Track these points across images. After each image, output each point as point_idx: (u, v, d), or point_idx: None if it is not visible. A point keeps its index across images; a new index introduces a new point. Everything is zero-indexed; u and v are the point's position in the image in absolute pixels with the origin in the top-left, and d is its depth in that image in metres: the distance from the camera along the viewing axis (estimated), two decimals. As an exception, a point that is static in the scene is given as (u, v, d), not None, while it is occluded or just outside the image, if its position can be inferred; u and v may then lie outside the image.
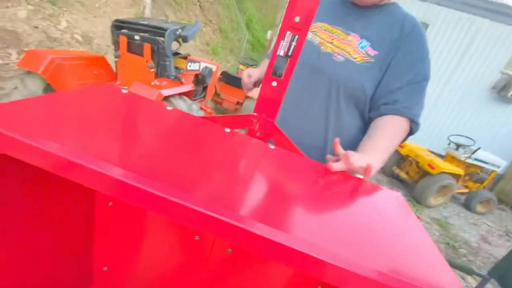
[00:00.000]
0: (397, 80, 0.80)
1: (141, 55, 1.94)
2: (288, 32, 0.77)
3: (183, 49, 2.71)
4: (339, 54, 0.84)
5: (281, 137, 0.85)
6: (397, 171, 4.65)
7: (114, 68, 2.16)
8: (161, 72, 2.03)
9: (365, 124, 0.90)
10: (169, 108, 0.67)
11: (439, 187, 3.95)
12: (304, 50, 0.77)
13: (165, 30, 1.95)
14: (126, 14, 5.39)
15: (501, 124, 5.58)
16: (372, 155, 0.73)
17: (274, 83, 0.83)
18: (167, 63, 2.02)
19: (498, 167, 4.40)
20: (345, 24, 0.85)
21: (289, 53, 0.79)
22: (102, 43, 4.58)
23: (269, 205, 0.42)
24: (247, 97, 4.11)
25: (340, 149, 0.69)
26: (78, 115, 0.49)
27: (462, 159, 4.28)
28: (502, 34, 5.05)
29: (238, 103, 4.28)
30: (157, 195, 0.33)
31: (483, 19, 5.05)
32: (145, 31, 1.99)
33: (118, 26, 2.01)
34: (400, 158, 4.67)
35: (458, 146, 4.49)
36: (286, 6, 0.76)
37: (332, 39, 0.86)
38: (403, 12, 0.86)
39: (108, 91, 0.65)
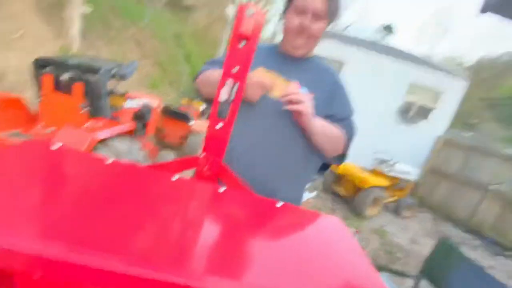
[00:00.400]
0: (337, 114, 0.98)
1: (71, 95, 1.79)
2: (229, 80, 0.84)
3: (120, 85, 2.59)
4: None
5: (229, 175, 0.88)
6: (336, 188, 5.10)
7: (35, 109, 1.92)
8: (95, 112, 1.89)
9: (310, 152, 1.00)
10: (108, 162, 0.64)
11: (372, 199, 4.46)
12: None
13: (99, 69, 1.86)
14: (49, 48, 4.93)
15: (409, 139, 6.77)
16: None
17: (219, 125, 0.88)
18: (102, 102, 1.90)
19: (413, 175, 5.24)
20: (282, 72, 0.97)
21: (231, 98, 0.86)
22: (18, 79, 4.05)
23: (214, 253, 0.43)
24: (191, 131, 4.07)
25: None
26: None
27: (386, 172, 4.97)
28: (400, 69, 6.35)
29: (182, 137, 4.19)
30: (85, 266, 0.31)
31: (385, 59, 6.29)
32: (76, 70, 1.86)
33: (41, 64, 1.84)
34: (337, 177, 5.16)
35: (381, 161, 5.21)
36: (227, 41, 0.84)
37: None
38: (325, 62, 1.05)
39: (34, 150, 0.59)
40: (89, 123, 1.63)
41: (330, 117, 0.96)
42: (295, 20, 0.90)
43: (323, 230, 0.65)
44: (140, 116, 2.55)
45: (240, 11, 0.77)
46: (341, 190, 5.01)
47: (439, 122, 6.65)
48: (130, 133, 2.18)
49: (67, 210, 0.42)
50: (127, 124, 2.03)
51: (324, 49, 6.42)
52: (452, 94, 6.53)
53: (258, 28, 0.81)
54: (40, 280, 0.58)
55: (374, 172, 5.23)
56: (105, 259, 0.31)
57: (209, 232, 0.51)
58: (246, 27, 0.78)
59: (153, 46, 9.81)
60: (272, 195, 0.98)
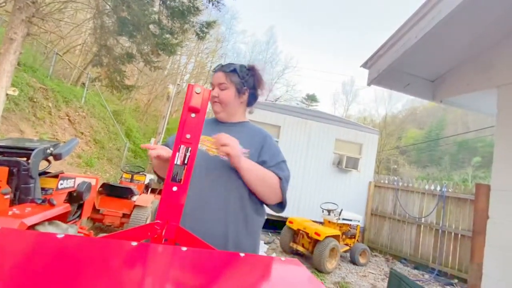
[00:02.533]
0: (268, 161, 1.13)
1: (-8, 181, 1.57)
2: (182, 146, 0.93)
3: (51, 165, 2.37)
4: (224, 156, 1.06)
5: (188, 237, 0.88)
6: (294, 246, 5.05)
7: None
8: (20, 197, 1.66)
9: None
10: (60, 236, 0.61)
11: (329, 251, 4.53)
12: (196, 157, 0.97)
13: (31, 150, 1.73)
14: (-43, 133, 4.31)
15: (348, 187, 7.48)
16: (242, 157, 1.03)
17: (174, 188, 0.92)
18: (31, 185, 1.70)
19: (359, 221, 5.63)
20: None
21: (185, 162, 0.93)
22: None
23: None
24: (135, 206, 3.75)
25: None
26: None
27: (335, 221, 5.24)
28: (326, 129, 7.43)
29: (124, 215, 3.80)
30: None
31: (312, 121, 7.36)
32: (0, 153, 1.68)
33: (-45, 150, 1.62)
34: (293, 234, 5.18)
35: (329, 211, 5.53)
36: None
37: (214, 146, 1.11)
38: (256, 126, 1.27)
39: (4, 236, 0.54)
40: (14, 210, 1.41)
41: (263, 164, 1.10)
42: (211, 94, 1.20)
43: (286, 272, 0.70)
44: (76, 197, 2.31)
45: (190, 89, 0.92)
46: (299, 247, 4.97)
47: (366, 170, 7.66)
48: (64, 217, 1.92)
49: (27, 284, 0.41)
50: (61, 207, 1.81)
51: (263, 116, 7.16)
52: (370, 145, 7.80)
53: (205, 103, 0.96)
54: None
55: (325, 222, 5.46)
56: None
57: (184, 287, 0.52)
58: (196, 102, 0.93)
59: (89, 124, 9.41)
60: (226, 244, 1.02)
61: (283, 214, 6.82)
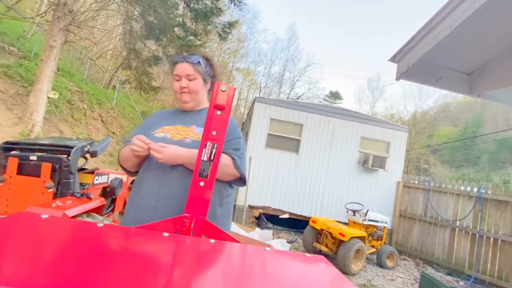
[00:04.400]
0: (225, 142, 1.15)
1: (37, 175, 1.73)
2: (208, 142, 0.96)
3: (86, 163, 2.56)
4: (186, 139, 1.15)
5: (214, 230, 0.91)
6: (317, 246, 4.97)
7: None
8: (62, 191, 1.81)
9: None
10: (100, 225, 0.67)
11: (354, 252, 4.40)
12: (161, 142, 1.10)
13: (71, 147, 1.88)
14: (9, 132, 4.77)
15: (374, 187, 7.20)
16: (177, 148, 1.08)
17: (201, 183, 0.95)
18: (71, 180, 1.85)
19: (386, 222, 5.40)
20: (183, 122, 1.22)
21: (212, 158, 0.96)
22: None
23: None
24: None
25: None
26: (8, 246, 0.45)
27: (360, 222, 5.08)
28: (350, 126, 7.21)
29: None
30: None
31: (336, 119, 7.17)
32: (44, 151, 1.85)
33: (7, 148, 1.81)
34: (317, 233, 5.10)
35: (354, 212, 5.36)
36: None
37: (178, 132, 1.19)
38: None
39: (26, 219, 0.61)
40: (57, 202, 1.55)
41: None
42: (176, 85, 1.22)
43: (312, 268, 0.70)
44: (109, 192, 2.46)
45: (216, 87, 0.95)
46: (322, 247, 4.89)
47: (394, 169, 7.32)
48: (99, 210, 2.06)
49: (74, 265, 0.45)
50: (97, 201, 1.94)
51: (285, 115, 7.10)
52: (398, 143, 7.43)
53: (230, 100, 0.98)
54: None
55: (350, 223, 5.31)
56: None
57: (214, 278, 0.54)
58: (221, 100, 0.95)
59: (120, 124, 9.95)
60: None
61: (306, 213, 6.74)
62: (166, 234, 0.70)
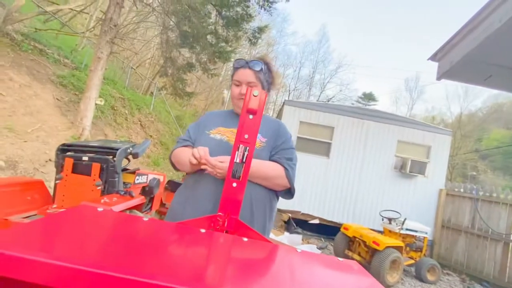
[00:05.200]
0: (279, 150, 1.20)
1: (88, 174, 1.93)
2: (241, 145, 1.00)
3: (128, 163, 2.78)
4: None
5: (247, 230, 0.94)
6: (349, 253, 4.78)
7: (51, 192, 2.02)
8: (108, 188, 1.99)
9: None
10: (145, 218, 0.74)
11: (390, 263, 4.15)
12: (219, 146, 1.13)
13: (116, 149, 2.06)
14: (63, 136, 5.35)
15: (412, 194, 6.73)
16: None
17: (234, 184, 0.99)
18: (116, 179, 2.03)
19: (426, 233, 5.01)
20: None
21: (244, 160, 1.00)
22: (29, 166, 4.25)
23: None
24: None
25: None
26: (72, 234, 0.53)
27: (397, 231, 4.77)
28: (386, 129, 6.85)
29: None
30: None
31: (370, 122, 6.87)
32: (94, 152, 2.05)
33: (64, 149, 2.04)
34: (349, 241, 4.90)
35: (390, 220, 5.07)
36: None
37: (235, 136, 1.18)
38: (271, 117, 1.36)
39: (86, 211, 0.69)
40: (105, 199, 1.72)
41: (276, 147, 1.19)
42: (236, 90, 1.21)
43: (346, 273, 0.69)
44: (148, 191, 2.64)
45: (248, 92, 0.99)
46: (355, 255, 4.68)
47: (436, 176, 6.77)
48: (139, 208, 2.23)
49: (124, 250, 0.50)
50: (138, 199, 2.10)
51: (315, 118, 6.97)
52: (440, 148, 6.87)
53: (262, 104, 1.02)
54: None
55: (386, 232, 5.02)
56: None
57: (248, 274, 0.57)
58: (253, 104, 0.99)
59: (156, 128, 10.59)
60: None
61: (337, 220, 6.52)
62: (202, 230, 0.75)
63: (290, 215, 6.59)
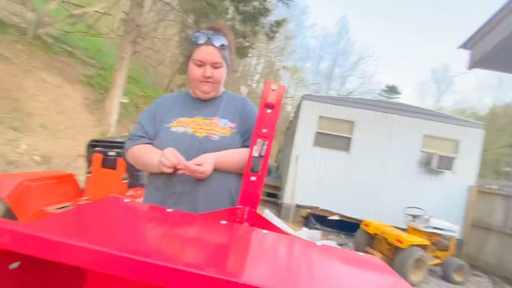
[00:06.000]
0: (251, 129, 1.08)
1: (115, 168, 2.04)
2: (259, 140, 1.01)
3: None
4: (213, 135, 1.04)
5: (265, 223, 0.96)
6: (370, 251, 4.67)
7: (81, 185, 2.16)
8: (133, 182, 2.10)
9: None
10: (169, 210, 0.77)
11: (414, 261, 4.00)
12: (184, 140, 1.02)
13: (140, 144, 2.17)
14: (91, 133, 5.66)
15: (439, 191, 6.41)
16: (210, 156, 0.99)
17: (253, 178, 1.00)
18: (140, 173, 2.12)
19: (454, 231, 4.77)
20: (202, 113, 1.09)
21: (262, 154, 1.01)
22: (62, 161, 4.55)
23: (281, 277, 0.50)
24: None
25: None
26: (104, 223, 0.56)
27: (421, 229, 4.59)
28: (410, 123, 6.55)
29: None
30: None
31: (394, 115, 6.59)
32: (120, 147, 2.16)
33: (93, 145, 2.17)
34: (370, 238, 4.79)
35: (414, 217, 4.87)
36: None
37: (200, 126, 1.06)
38: (232, 93, 1.21)
39: (113, 202, 0.74)
40: (130, 192, 1.82)
41: (247, 131, 1.10)
42: (198, 72, 1.04)
43: (368, 267, 0.68)
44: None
45: (267, 86, 0.99)
46: (376, 253, 4.57)
47: (465, 172, 6.39)
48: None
49: (151, 237, 0.53)
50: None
51: (335, 112, 6.80)
52: (471, 142, 6.46)
53: (280, 98, 1.01)
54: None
55: (409, 229, 4.84)
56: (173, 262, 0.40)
57: (269, 263, 0.58)
58: (272, 98, 0.99)
59: (177, 124, 10.88)
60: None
61: (357, 216, 6.38)
62: (223, 222, 0.77)
63: (309, 211, 6.54)
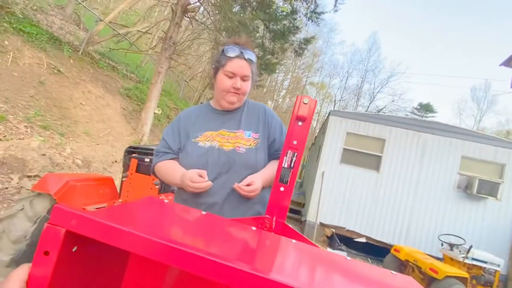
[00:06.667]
0: (277, 142, 1.16)
1: (149, 174, 2.17)
2: (289, 151, 1.03)
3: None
4: (239, 148, 1.08)
5: (293, 233, 0.96)
6: (401, 279, 4.32)
7: (118, 188, 2.32)
8: (165, 188, 2.20)
9: None
10: (203, 212, 0.81)
11: (451, 295, 3.63)
12: (211, 154, 1.06)
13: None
14: (126, 141, 6.06)
15: (480, 219, 5.83)
16: (257, 176, 1.07)
17: (282, 189, 1.02)
18: (171, 180, 2.23)
19: (498, 265, 4.28)
20: (226, 126, 1.12)
21: (292, 165, 1.03)
22: (100, 166, 4.90)
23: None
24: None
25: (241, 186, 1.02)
26: (155, 219, 0.62)
27: (461, 259, 4.18)
28: (447, 144, 6.15)
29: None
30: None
31: (427, 134, 6.25)
32: (153, 155, 2.31)
33: (130, 151, 2.33)
34: (400, 264, 4.45)
35: (451, 246, 4.47)
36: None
37: (226, 139, 1.09)
38: (253, 102, 1.24)
39: (155, 202, 0.80)
40: (162, 197, 1.91)
41: (273, 142, 1.16)
42: (228, 83, 1.07)
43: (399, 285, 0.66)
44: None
45: (298, 100, 1.02)
46: (407, 282, 4.22)
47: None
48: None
49: (188, 234, 0.57)
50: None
51: (365, 129, 6.62)
52: (519, 167, 5.88)
53: (311, 112, 1.04)
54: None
55: (446, 259, 4.44)
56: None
57: (299, 272, 0.59)
58: (303, 111, 1.02)
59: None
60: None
61: (387, 240, 5.99)
62: (253, 228, 0.79)
63: (333, 230, 6.28)
